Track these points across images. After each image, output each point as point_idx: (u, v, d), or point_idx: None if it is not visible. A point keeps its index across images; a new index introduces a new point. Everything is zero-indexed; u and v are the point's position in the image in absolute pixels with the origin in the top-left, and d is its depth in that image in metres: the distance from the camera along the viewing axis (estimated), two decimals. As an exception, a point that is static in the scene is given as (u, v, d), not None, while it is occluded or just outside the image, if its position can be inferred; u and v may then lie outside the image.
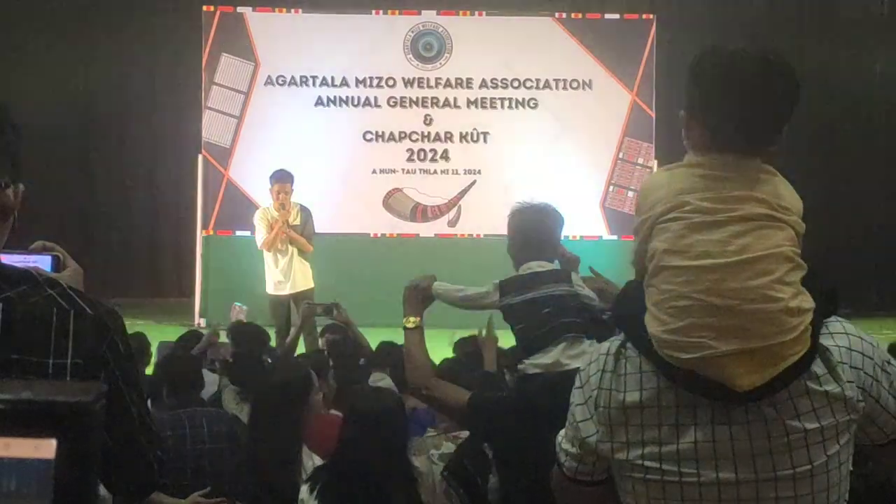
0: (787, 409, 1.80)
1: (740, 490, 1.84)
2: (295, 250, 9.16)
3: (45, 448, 0.78)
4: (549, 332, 3.74)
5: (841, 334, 1.84)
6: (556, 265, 4.07)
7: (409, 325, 3.69)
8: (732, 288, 1.77)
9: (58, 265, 1.89)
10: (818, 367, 1.79)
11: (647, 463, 1.89)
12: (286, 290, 9.14)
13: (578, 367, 2.09)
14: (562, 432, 2.08)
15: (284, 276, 9.14)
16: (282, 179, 9.12)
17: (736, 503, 1.84)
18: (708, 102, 1.96)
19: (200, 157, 12.24)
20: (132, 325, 7.90)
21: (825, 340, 1.81)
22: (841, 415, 1.80)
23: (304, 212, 9.30)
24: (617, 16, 12.84)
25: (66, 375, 1.57)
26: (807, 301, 1.80)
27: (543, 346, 3.77)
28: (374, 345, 6.40)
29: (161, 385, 4.90)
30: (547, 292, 3.88)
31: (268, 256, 9.23)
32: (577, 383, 2.04)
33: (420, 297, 3.83)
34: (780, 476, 1.81)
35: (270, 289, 9.27)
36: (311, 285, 9.24)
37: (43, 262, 1.87)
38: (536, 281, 3.94)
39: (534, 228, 4.06)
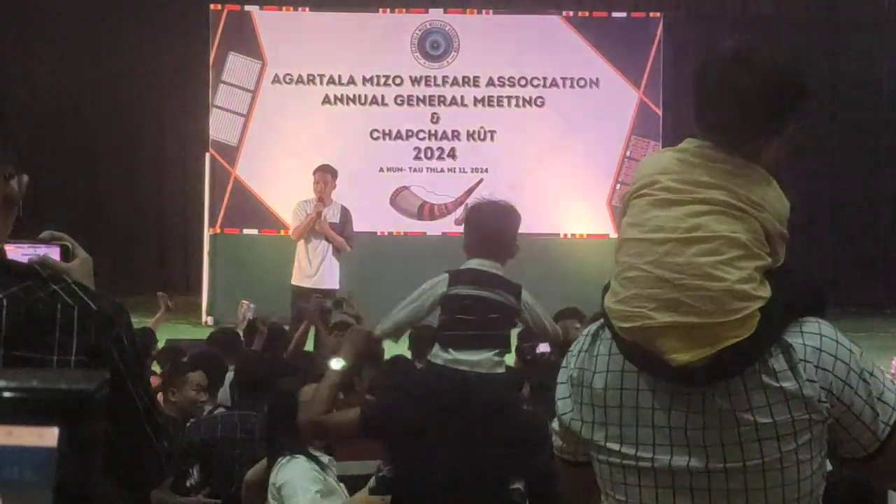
0: (741, 402, 1.79)
1: (693, 479, 1.84)
2: (330, 247, 9.16)
3: (48, 436, 0.78)
4: (491, 336, 3.80)
5: (813, 334, 1.81)
6: (504, 267, 4.07)
7: (335, 367, 3.46)
8: (678, 262, 1.79)
9: (66, 255, 1.89)
10: (777, 363, 1.78)
11: (609, 445, 1.92)
12: (309, 284, 9.14)
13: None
14: None
15: (312, 268, 9.14)
16: (323, 170, 9.23)
17: (688, 491, 1.85)
18: (692, 97, 1.97)
19: (208, 156, 12.26)
20: (139, 323, 7.91)
21: (792, 338, 1.80)
22: (798, 413, 1.78)
23: (345, 212, 9.30)
24: (624, 14, 12.83)
25: None
26: (760, 290, 1.78)
27: (477, 347, 3.81)
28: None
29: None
30: (499, 298, 3.90)
31: (300, 247, 9.26)
32: (563, 363, 2.06)
33: (362, 343, 3.61)
34: (731, 468, 1.82)
35: (296, 279, 9.30)
36: (336, 286, 9.23)
37: (51, 253, 1.87)
38: (490, 281, 3.96)
39: (492, 227, 4.07)
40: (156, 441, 1.75)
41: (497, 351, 3.89)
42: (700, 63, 1.98)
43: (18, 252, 1.81)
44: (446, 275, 4.03)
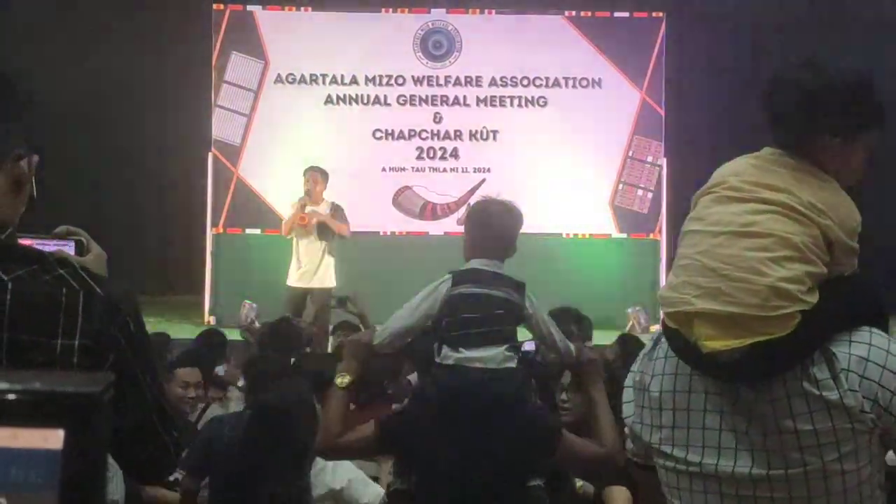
0: (782, 408, 1.79)
1: (739, 485, 1.84)
2: (325, 245, 9.21)
3: (53, 438, 0.78)
4: (498, 332, 3.78)
5: (862, 343, 1.79)
6: (504, 266, 4.05)
7: (340, 383, 3.48)
8: (727, 254, 1.81)
9: (81, 250, 1.89)
10: (820, 371, 1.77)
11: (664, 448, 1.94)
12: (305, 284, 9.18)
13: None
14: None
15: (306, 267, 9.17)
16: (313, 170, 9.40)
17: (734, 498, 1.85)
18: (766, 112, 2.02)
19: (210, 155, 12.26)
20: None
21: (838, 347, 1.78)
22: (840, 422, 1.76)
23: (335, 207, 9.41)
24: (626, 14, 12.82)
25: (74, 356, 1.56)
26: (807, 295, 1.78)
27: (486, 344, 3.80)
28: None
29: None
30: (503, 294, 3.89)
31: (294, 247, 9.32)
32: (632, 366, 2.11)
33: (362, 354, 3.63)
34: (773, 475, 1.81)
35: (291, 280, 9.34)
36: (331, 285, 9.25)
37: (66, 248, 1.87)
38: (493, 279, 3.95)
39: (493, 226, 4.04)
40: (164, 432, 1.74)
41: (507, 346, 3.88)
42: (772, 73, 2.02)
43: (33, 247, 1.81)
44: (449, 275, 4.02)
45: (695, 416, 1.89)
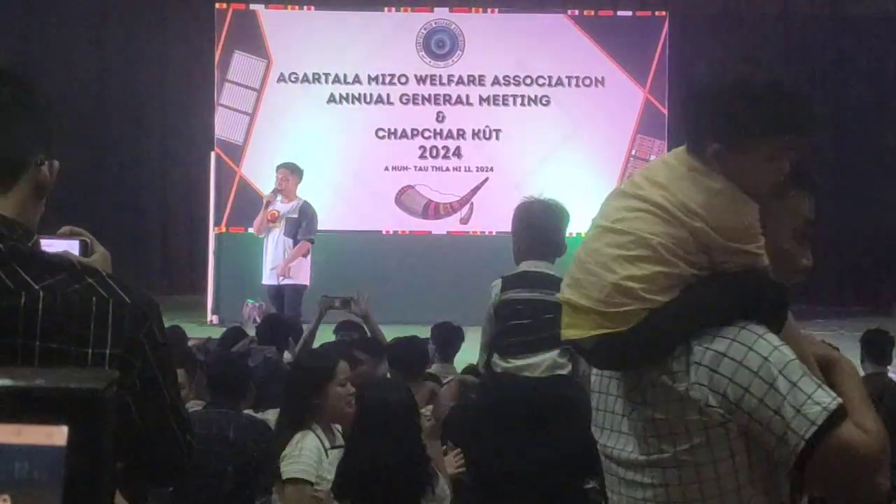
0: (645, 397, 1.85)
1: (629, 469, 1.90)
2: (291, 242, 9.18)
3: (57, 435, 0.78)
4: (547, 337, 3.73)
5: (724, 339, 1.78)
6: (555, 266, 4.02)
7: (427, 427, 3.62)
8: (592, 248, 1.90)
9: (86, 250, 1.89)
10: (677, 364, 1.80)
11: (594, 429, 2.02)
12: (274, 280, 9.15)
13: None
14: None
15: (274, 264, 9.15)
16: (284, 167, 9.41)
17: (629, 483, 1.90)
18: None
19: (213, 155, 12.26)
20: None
21: (700, 341, 1.79)
22: (690, 414, 1.78)
23: (305, 208, 9.30)
24: (629, 13, 12.82)
25: (105, 366, 1.57)
26: (656, 294, 1.80)
27: (535, 350, 3.78)
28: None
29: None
30: (551, 298, 3.87)
31: (265, 242, 9.32)
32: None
33: (457, 396, 3.81)
34: (647, 461, 1.86)
35: (264, 277, 9.35)
36: (306, 282, 9.23)
37: (71, 247, 1.88)
38: (541, 282, 3.91)
39: (538, 226, 4.03)
40: (180, 435, 1.76)
41: (559, 351, 3.81)
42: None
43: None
44: (500, 280, 4.00)
45: (609, 399, 1.95)
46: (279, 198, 9.37)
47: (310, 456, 3.76)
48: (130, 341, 1.62)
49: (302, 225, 9.19)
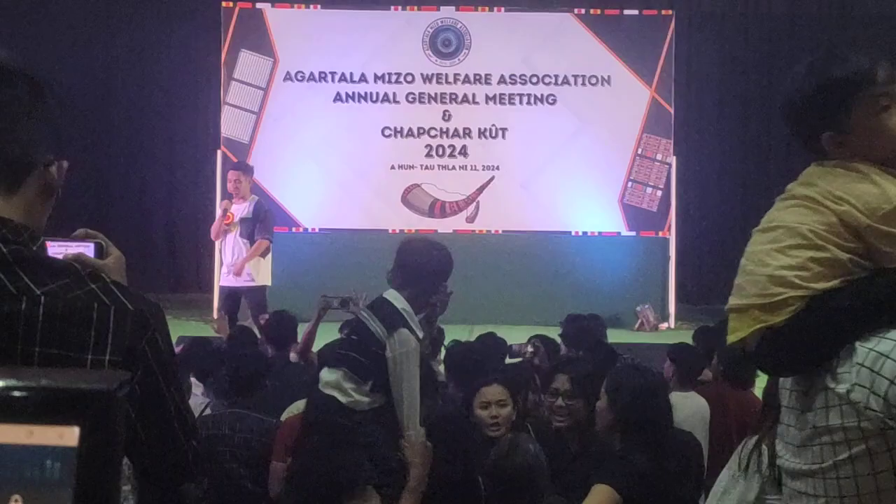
0: (807, 403, 1.81)
1: (795, 479, 1.87)
2: (247, 243, 9.10)
3: (69, 436, 0.78)
4: (343, 356, 4.11)
5: (889, 341, 1.73)
6: (405, 299, 4.17)
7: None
8: (749, 251, 1.91)
9: (101, 252, 1.89)
10: (840, 366, 1.75)
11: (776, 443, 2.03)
12: (231, 283, 9.07)
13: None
14: None
15: (233, 267, 9.05)
16: (235, 168, 9.40)
17: (797, 495, 1.87)
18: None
19: (219, 153, 12.27)
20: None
21: (865, 342, 1.75)
22: (849, 419, 1.73)
23: (259, 207, 9.22)
24: (636, 12, 12.80)
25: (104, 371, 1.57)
26: (811, 281, 1.78)
27: (332, 365, 4.11)
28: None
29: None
30: (369, 324, 4.09)
31: (221, 244, 9.28)
32: None
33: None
34: (807, 470, 1.82)
35: (221, 279, 9.30)
36: (267, 283, 9.17)
37: (85, 250, 1.87)
38: (378, 309, 4.18)
39: (405, 259, 4.27)
40: (185, 441, 1.76)
41: (344, 371, 3.98)
42: None
43: (51, 249, 1.81)
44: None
45: (787, 412, 1.93)
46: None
47: None
48: (130, 348, 1.61)
49: (257, 224, 9.09)
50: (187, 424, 1.77)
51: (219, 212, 9.41)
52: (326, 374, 4.09)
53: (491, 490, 3.50)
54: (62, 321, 1.56)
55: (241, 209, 9.12)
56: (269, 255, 9.22)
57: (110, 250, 1.91)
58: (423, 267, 4.19)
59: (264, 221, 9.15)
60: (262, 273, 9.10)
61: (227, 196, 9.43)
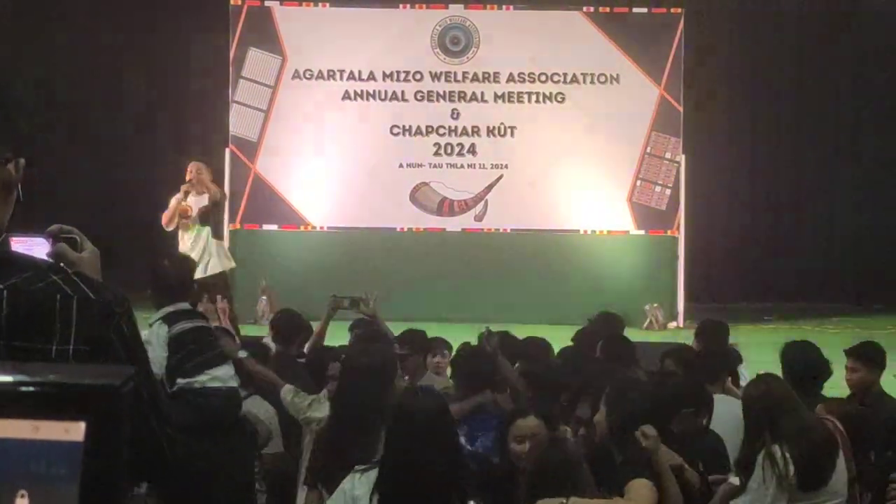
0: None
1: None
2: (207, 230, 9.20)
3: (74, 431, 0.78)
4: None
5: None
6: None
7: None
8: None
9: (75, 248, 1.90)
10: None
11: None
12: (204, 272, 9.10)
13: None
14: None
15: (200, 256, 9.07)
16: (194, 160, 9.62)
17: None
18: None
19: (228, 151, 12.28)
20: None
21: None
22: None
23: (215, 195, 9.46)
24: (645, 10, 12.77)
25: (69, 361, 1.58)
26: None
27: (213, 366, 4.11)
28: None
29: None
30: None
31: (180, 237, 9.33)
32: None
33: None
34: None
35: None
36: (221, 269, 9.28)
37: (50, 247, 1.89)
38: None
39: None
40: (159, 430, 1.75)
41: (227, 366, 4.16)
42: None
43: (27, 245, 1.82)
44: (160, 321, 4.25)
45: None
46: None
47: None
48: (97, 338, 1.61)
49: (214, 212, 9.39)
50: (160, 413, 1.76)
51: (173, 202, 9.42)
52: None
53: (531, 482, 3.48)
54: (26, 314, 1.57)
55: (200, 201, 9.23)
56: (219, 242, 9.47)
57: (85, 246, 1.92)
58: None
59: (219, 210, 9.53)
60: (221, 259, 9.38)
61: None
